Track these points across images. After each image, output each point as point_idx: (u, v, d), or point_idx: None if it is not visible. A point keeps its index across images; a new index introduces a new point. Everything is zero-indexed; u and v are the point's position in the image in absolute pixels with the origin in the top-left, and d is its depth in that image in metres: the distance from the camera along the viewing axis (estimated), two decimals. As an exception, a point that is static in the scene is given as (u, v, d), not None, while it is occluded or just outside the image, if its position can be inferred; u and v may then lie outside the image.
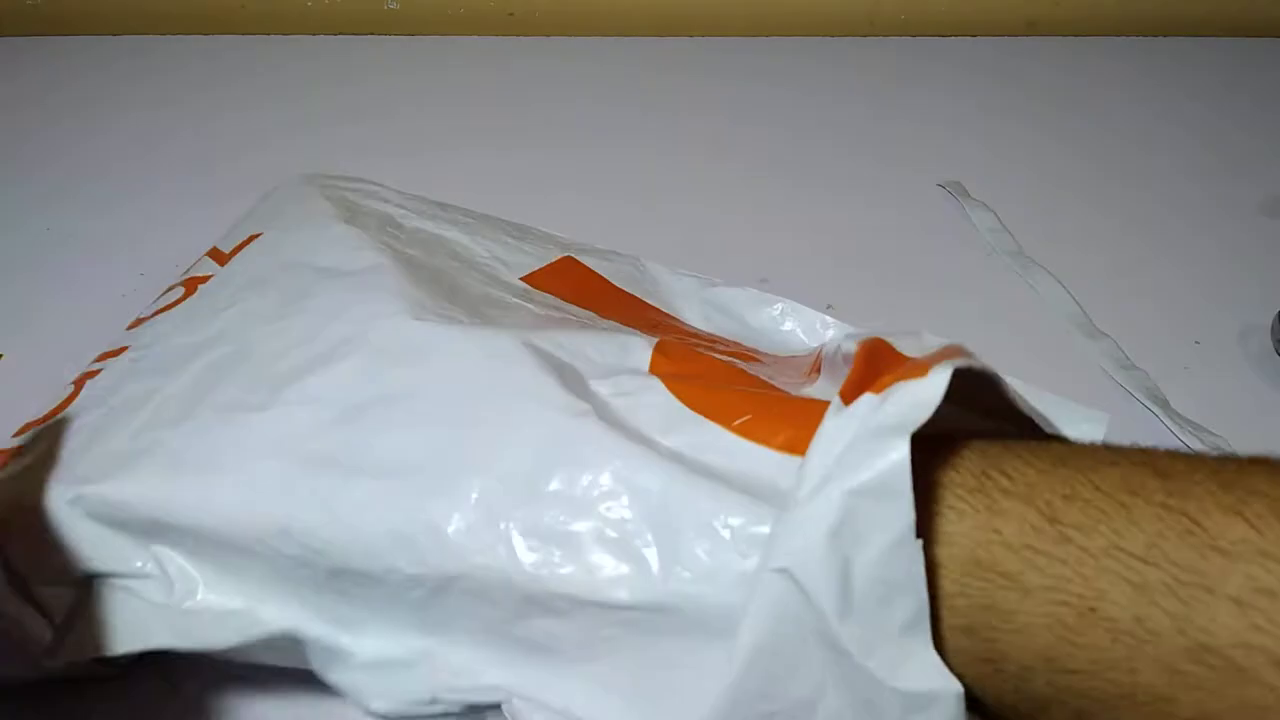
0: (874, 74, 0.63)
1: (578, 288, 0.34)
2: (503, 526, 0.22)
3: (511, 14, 0.69)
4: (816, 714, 0.19)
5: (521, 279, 0.33)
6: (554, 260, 0.35)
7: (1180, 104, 0.59)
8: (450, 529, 0.22)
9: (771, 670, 0.19)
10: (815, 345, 0.34)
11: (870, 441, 0.19)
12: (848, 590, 0.18)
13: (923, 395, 0.19)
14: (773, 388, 0.26)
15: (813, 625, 0.19)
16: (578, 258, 0.36)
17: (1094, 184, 0.51)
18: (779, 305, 0.36)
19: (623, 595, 0.21)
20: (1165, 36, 0.66)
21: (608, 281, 0.35)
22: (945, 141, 0.55)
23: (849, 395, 0.20)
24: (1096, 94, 0.60)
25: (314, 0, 0.68)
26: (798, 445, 0.22)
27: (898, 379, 0.19)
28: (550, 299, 0.32)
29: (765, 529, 0.20)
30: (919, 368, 0.20)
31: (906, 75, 0.62)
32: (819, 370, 0.28)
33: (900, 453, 0.18)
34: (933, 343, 0.23)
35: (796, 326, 0.35)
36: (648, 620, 0.21)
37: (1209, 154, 0.54)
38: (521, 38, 0.68)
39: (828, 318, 0.35)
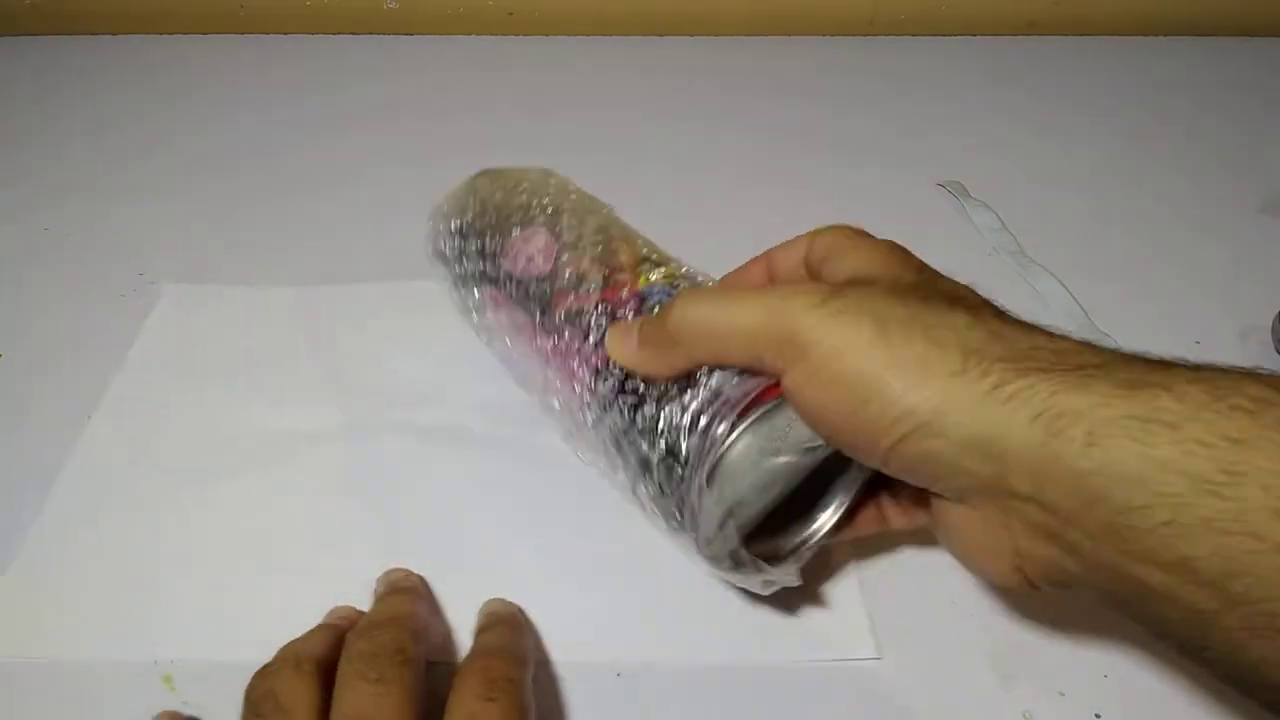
0: (874, 74, 0.63)
1: None
2: None
3: (511, 14, 0.69)
4: None
5: None
6: None
7: (1180, 104, 0.59)
8: None
9: None
10: None
11: None
12: None
13: None
14: None
15: None
16: None
17: (1094, 184, 0.51)
18: None
19: None
20: (1165, 36, 0.66)
21: None
22: (945, 141, 0.55)
23: None
24: (1096, 94, 0.60)
25: (314, 0, 0.68)
26: None
27: None
28: None
29: None
30: None
31: (906, 75, 0.62)
32: None
33: None
34: None
35: None
36: None
37: (1209, 154, 0.54)
38: (521, 37, 0.68)
39: None
